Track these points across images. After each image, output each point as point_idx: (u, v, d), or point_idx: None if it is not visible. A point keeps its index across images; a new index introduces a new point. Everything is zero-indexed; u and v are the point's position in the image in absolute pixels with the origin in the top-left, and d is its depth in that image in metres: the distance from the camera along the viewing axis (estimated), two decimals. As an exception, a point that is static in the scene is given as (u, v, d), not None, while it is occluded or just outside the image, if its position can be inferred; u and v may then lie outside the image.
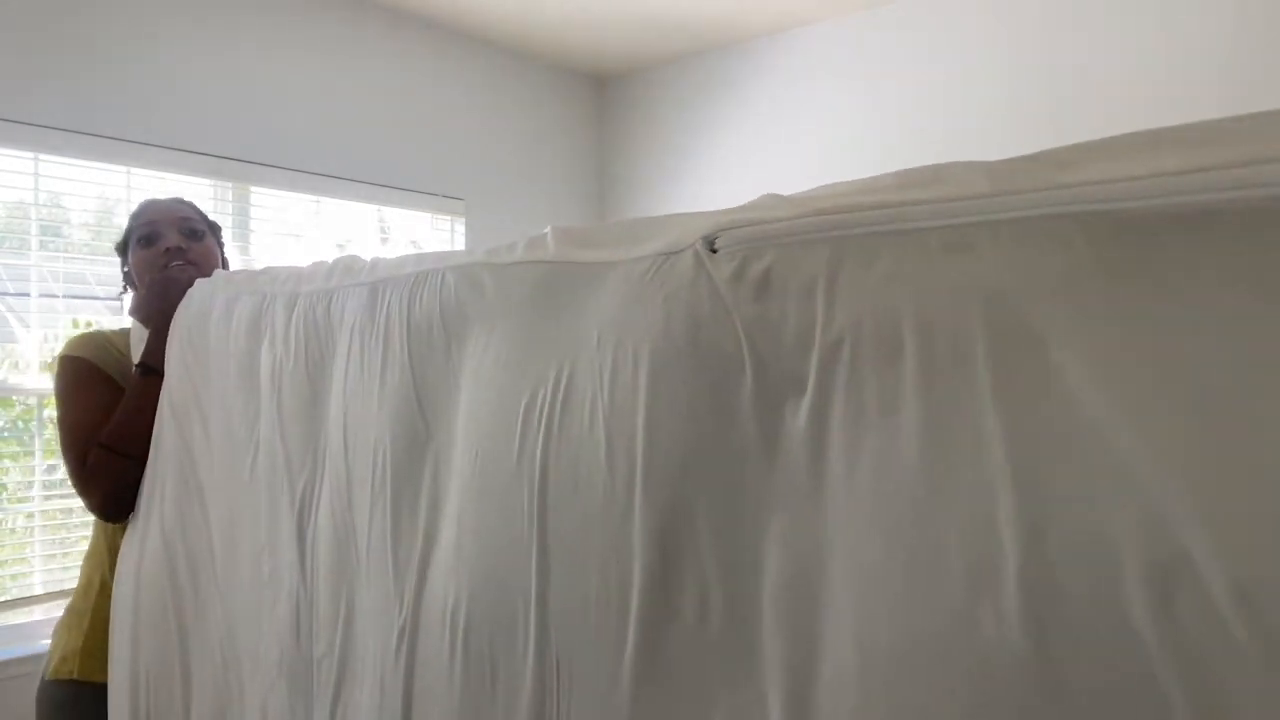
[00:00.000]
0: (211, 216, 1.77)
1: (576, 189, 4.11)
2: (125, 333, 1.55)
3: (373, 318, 0.91)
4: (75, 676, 1.46)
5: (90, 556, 1.55)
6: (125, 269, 1.62)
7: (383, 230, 3.48)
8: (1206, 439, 0.36)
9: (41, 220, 2.58)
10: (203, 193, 2.94)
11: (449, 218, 3.60)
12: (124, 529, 1.46)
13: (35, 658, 2.41)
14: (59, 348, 1.59)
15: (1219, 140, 0.37)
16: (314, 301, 1.03)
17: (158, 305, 1.46)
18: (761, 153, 3.64)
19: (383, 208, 3.40)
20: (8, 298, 2.56)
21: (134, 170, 2.72)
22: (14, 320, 2.61)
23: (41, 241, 2.57)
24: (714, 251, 0.55)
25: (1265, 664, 0.35)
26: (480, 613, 0.71)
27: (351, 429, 0.92)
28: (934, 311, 0.44)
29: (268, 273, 1.23)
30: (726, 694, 0.54)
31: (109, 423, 1.43)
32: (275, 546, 1.09)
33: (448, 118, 3.59)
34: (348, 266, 1.02)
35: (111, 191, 2.72)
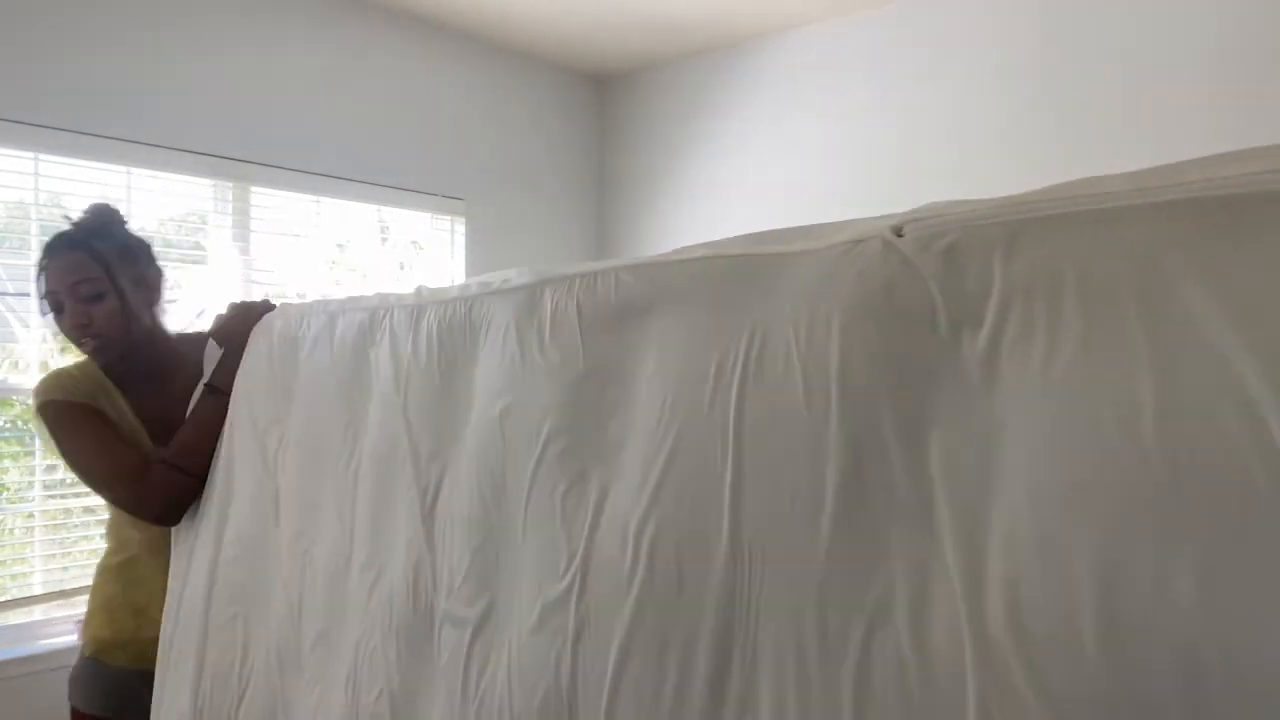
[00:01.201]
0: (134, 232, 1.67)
1: (576, 189, 4.11)
2: (82, 366, 1.60)
3: (532, 314, 1.06)
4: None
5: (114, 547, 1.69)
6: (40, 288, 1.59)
7: (383, 230, 3.48)
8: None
9: (41, 220, 2.58)
10: (203, 193, 2.94)
11: (449, 218, 3.61)
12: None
13: (35, 658, 2.41)
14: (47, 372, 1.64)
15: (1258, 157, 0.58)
16: (450, 310, 1.18)
17: (236, 331, 1.56)
18: (761, 152, 3.64)
19: (383, 208, 3.41)
20: (8, 298, 2.56)
21: (134, 170, 2.72)
22: (14, 320, 2.61)
23: (41, 241, 2.56)
24: (900, 236, 0.74)
25: None
26: (669, 531, 0.86)
27: (513, 412, 1.06)
28: (1090, 262, 0.63)
29: (364, 297, 1.40)
30: (908, 548, 0.70)
31: (174, 441, 1.53)
32: (384, 531, 1.22)
33: (448, 118, 3.59)
34: (482, 281, 1.18)
35: (111, 191, 2.71)
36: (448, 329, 1.18)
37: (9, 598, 2.53)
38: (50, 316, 1.58)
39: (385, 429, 1.25)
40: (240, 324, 1.57)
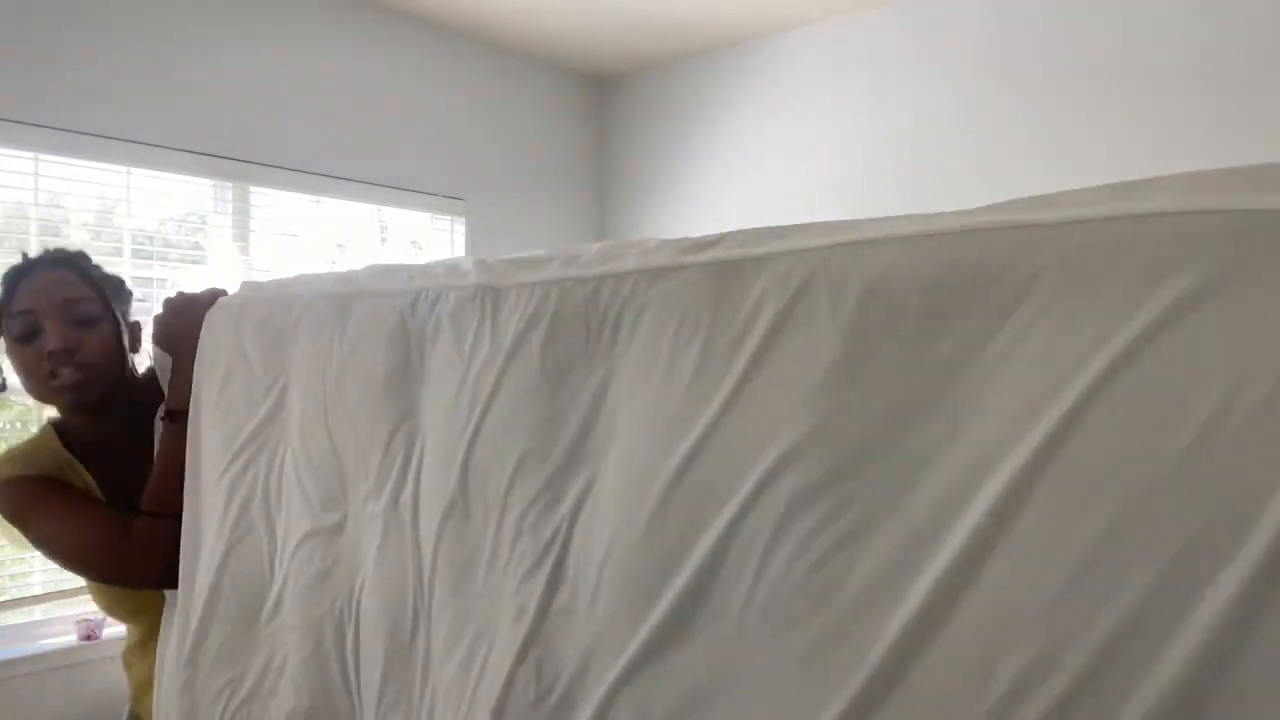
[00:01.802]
0: (109, 273, 1.39)
1: (576, 189, 4.11)
2: (34, 441, 1.36)
3: (731, 307, 0.72)
4: None
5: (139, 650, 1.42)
6: None
7: (382, 230, 3.48)
8: None
9: (41, 220, 2.58)
10: (203, 193, 2.94)
11: (449, 218, 3.60)
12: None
13: (35, 658, 2.42)
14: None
15: None
16: (553, 294, 0.85)
17: (185, 330, 1.26)
18: (761, 152, 3.64)
19: (383, 208, 3.40)
20: (8, 298, 2.56)
21: (134, 170, 2.72)
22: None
23: (41, 242, 2.56)
24: None
25: None
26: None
27: (712, 448, 0.72)
28: None
29: (394, 271, 1.05)
30: None
31: (146, 490, 1.28)
32: (471, 593, 0.92)
33: (448, 118, 3.59)
34: (604, 249, 0.84)
35: (111, 191, 2.72)
36: (554, 321, 0.85)
37: (9, 598, 2.53)
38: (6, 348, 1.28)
39: (454, 458, 0.93)
40: (187, 321, 1.26)
